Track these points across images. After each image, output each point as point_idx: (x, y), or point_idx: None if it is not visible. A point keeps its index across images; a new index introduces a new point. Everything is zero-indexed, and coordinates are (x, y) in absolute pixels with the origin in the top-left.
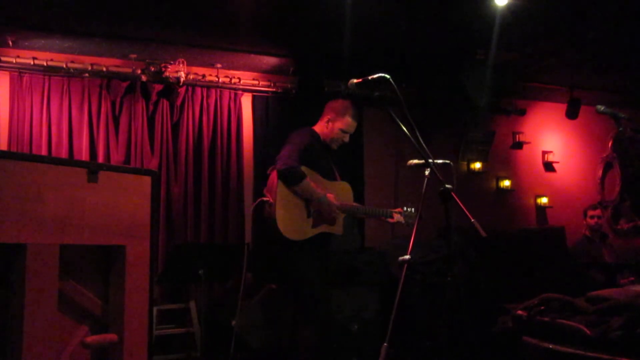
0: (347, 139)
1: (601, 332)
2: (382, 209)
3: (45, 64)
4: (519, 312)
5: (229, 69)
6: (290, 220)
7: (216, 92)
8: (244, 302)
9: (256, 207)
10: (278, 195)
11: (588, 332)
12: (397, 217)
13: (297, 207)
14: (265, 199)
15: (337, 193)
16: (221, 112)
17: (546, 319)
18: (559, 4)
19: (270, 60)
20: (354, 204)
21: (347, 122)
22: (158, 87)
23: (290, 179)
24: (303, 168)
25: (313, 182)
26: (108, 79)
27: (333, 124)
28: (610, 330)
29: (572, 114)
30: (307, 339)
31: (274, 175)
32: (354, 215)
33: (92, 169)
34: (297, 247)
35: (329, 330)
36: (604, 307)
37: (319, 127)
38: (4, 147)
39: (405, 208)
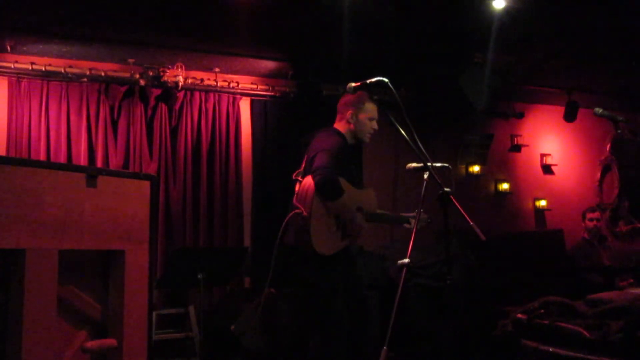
0: (376, 125)
1: (601, 335)
2: (401, 216)
3: (43, 68)
4: (519, 315)
5: (228, 73)
6: (322, 234)
7: (214, 96)
8: (247, 305)
9: (289, 219)
10: (314, 207)
11: (588, 335)
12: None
13: (329, 220)
14: (297, 211)
15: (364, 201)
16: (220, 117)
17: (546, 322)
18: (556, 7)
19: (269, 65)
20: (379, 211)
21: (370, 108)
22: (156, 91)
23: (329, 193)
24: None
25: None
26: (106, 83)
27: (357, 117)
28: (610, 334)
29: (570, 116)
30: (315, 349)
31: (305, 185)
32: (376, 223)
33: (91, 173)
34: (323, 261)
35: (341, 346)
36: (603, 310)
37: (343, 127)
38: (3, 152)
39: (415, 210)
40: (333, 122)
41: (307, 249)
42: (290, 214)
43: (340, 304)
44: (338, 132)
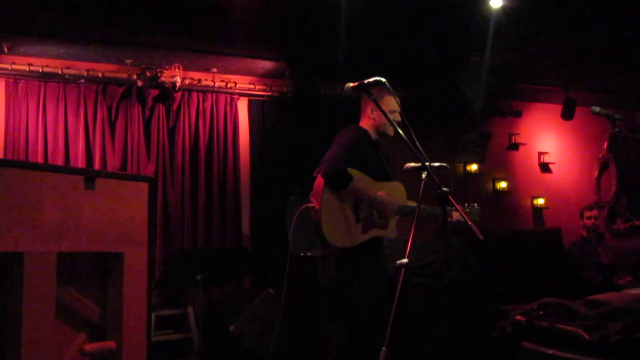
0: (398, 117)
1: (600, 336)
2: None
3: (40, 70)
4: (518, 317)
5: (225, 73)
6: (336, 226)
7: (212, 96)
8: (246, 305)
9: (300, 215)
10: (323, 200)
11: (587, 337)
12: (456, 216)
13: (344, 213)
14: (310, 205)
15: (389, 194)
16: (217, 117)
17: (545, 324)
18: (553, 6)
19: (266, 65)
20: (412, 204)
21: (389, 101)
22: (154, 92)
23: (337, 182)
24: (350, 171)
25: (361, 184)
26: (104, 84)
27: (378, 111)
28: (609, 335)
29: (567, 115)
30: (337, 344)
31: (319, 180)
32: (409, 216)
33: (89, 176)
34: (342, 254)
35: (362, 341)
36: (602, 312)
37: (366, 122)
38: (0, 154)
39: (466, 204)
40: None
41: (322, 242)
42: (302, 208)
43: (361, 300)
44: (359, 128)
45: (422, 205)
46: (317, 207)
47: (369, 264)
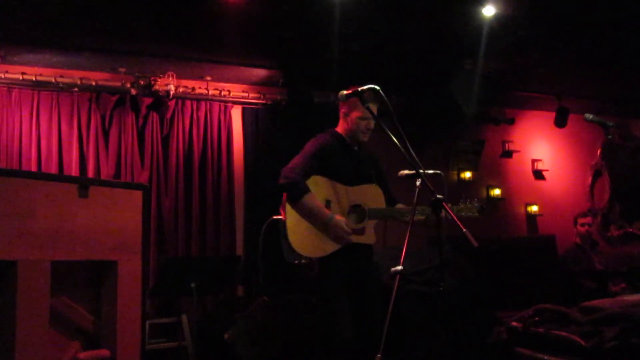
0: (371, 125)
1: (595, 342)
2: (420, 207)
3: (34, 78)
4: (514, 323)
5: (219, 81)
6: (304, 236)
7: (206, 104)
8: (241, 313)
9: (267, 227)
10: (287, 211)
11: (582, 342)
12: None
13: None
14: (276, 217)
15: (362, 197)
16: (211, 125)
17: (540, 330)
18: (545, 14)
19: (260, 73)
20: (402, 206)
21: (362, 109)
22: (148, 100)
23: (290, 194)
24: (317, 177)
25: (329, 192)
26: (97, 92)
27: (350, 116)
28: (605, 341)
29: (560, 122)
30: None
31: None
32: (385, 219)
33: (83, 184)
34: (321, 262)
35: (336, 350)
36: (597, 318)
37: (340, 127)
38: None
39: (461, 200)
40: (324, 129)
41: (295, 253)
42: (267, 221)
43: (338, 310)
44: (332, 133)
45: (406, 208)
46: (283, 218)
47: (351, 272)
